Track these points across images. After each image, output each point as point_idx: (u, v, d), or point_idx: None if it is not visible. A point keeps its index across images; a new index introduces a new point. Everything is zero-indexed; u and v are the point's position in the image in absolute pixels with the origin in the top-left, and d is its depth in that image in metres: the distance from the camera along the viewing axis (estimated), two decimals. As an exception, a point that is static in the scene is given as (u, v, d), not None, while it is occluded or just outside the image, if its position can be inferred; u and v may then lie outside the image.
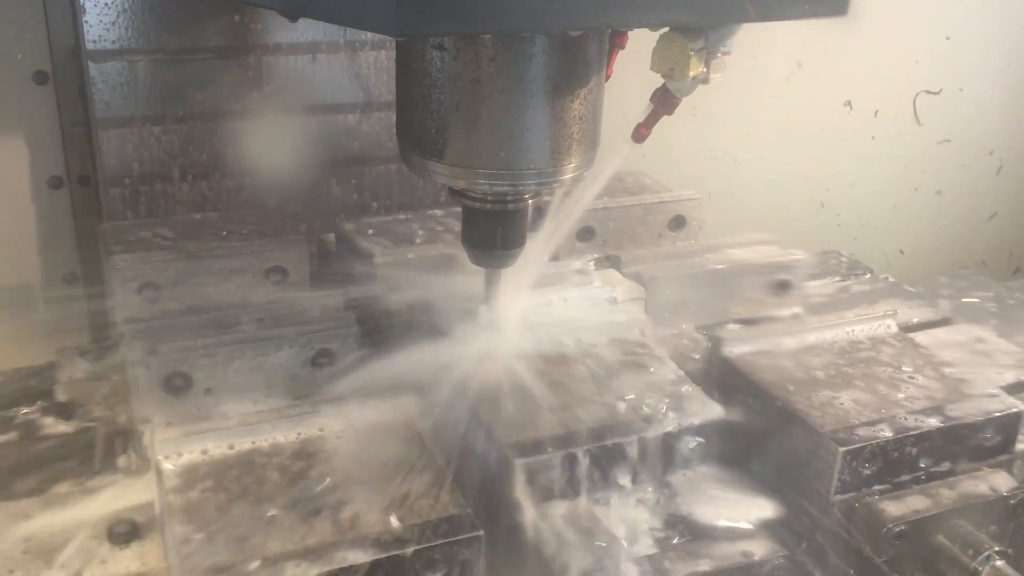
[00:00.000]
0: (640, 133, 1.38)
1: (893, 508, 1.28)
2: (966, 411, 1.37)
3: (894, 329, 1.58)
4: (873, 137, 2.61)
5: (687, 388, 1.38)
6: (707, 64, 1.24)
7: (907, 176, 2.70)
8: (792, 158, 2.53)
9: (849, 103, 2.55)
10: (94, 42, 1.65)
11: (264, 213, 1.76)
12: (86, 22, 1.63)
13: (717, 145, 2.44)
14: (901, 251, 2.76)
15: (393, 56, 1.35)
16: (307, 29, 1.75)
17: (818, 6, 1.20)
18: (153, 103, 1.71)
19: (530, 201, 1.36)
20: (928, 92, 2.62)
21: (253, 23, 1.72)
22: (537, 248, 1.49)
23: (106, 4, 1.63)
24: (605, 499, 1.28)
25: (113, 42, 1.66)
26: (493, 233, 1.37)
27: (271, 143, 1.81)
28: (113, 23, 1.65)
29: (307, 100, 1.81)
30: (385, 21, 1.03)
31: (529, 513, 1.22)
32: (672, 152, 2.14)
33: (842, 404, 1.37)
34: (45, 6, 1.72)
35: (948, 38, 2.58)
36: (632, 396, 1.36)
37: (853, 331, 1.56)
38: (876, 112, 2.58)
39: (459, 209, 1.41)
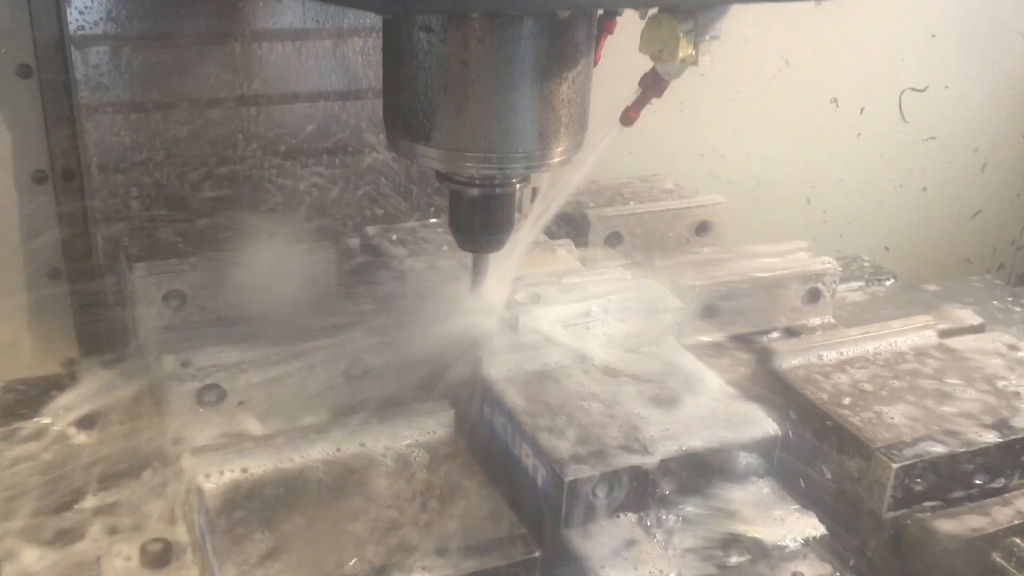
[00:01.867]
0: (628, 116, 1.38)
1: (947, 526, 1.26)
2: (1017, 426, 1.34)
3: (935, 339, 1.57)
4: (859, 134, 2.62)
5: (737, 402, 1.37)
6: (696, 47, 1.23)
7: (893, 173, 2.72)
8: (779, 155, 2.54)
9: (835, 100, 2.56)
10: (77, 28, 1.63)
11: (277, 214, 1.74)
12: (69, 8, 1.61)
13: (704, 141, 2.45)
14: (886, 248, 2.77)
15: (379, 43, 1.34)
16: (294, 15, 1.74)
17: (804, -11, 1.20)
18: (137, 89, 1.70)
19: (518, 185, 1.36)
20: (914, 89, 2.64)
21: (238, 9, 1.71)
22: (525, 233, 1.49)
23: (90, -10, 1.63)
24: (654, 516, 1.26)
25: (96, 28, 1.64)
26: (480, 217, 1.37)
27: (257, 130, 1.79)
28: (96, 8, 1.64)
29: (293, 86, 1.80)
30: (373, -2, 1.02)
31: (577, 530, 1.21)
32: (659, 148, 2.15)
33: (892, 419, 1.35)
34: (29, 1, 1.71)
35: (934, 36, 2.60)
36: (678, 409, 1.34)
37: (896, 342, 1.55)
38: (862, 109, 2.60)
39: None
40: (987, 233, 2.89)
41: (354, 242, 1.79)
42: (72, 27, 1.63)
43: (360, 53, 1.81)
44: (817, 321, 1.78)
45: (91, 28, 1.64)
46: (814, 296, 1.78)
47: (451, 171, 1.32)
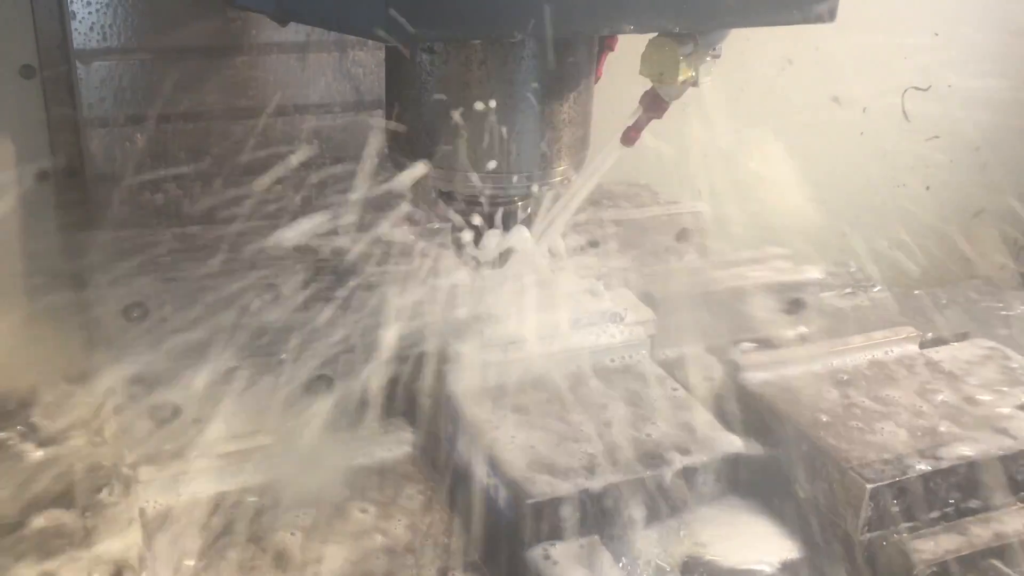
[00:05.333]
0: (629, 136, 1.38)
1: (923, 548, 1.22)
2: (997, 443, 1.31)
3: (916, 351, 1.53)
4: (862, 133, 2.61)
5: (704, 419, 1.34)
6: (696, 68, 1.24)
7: (895, 172, 2.71)
8: (781, 153, 2.53)
9: (838, 99, 2.55)
10: (83, 42, 1.64)
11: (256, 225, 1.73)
12: (74, 21, 1.62)
13: (708, 141, 2.44)
14: (889, 247, 2.77)
15: (383, 55, 1.34)
16: (297, 29, 1.74)
17: (807, 12, 1.21)
18: (141, 103, 1.70)
19: (519, 203, 1.36)
20: (916, 88, 2.62)
21: (242, 23, 1.71)
22: (527, 252, 1.48)
23: (94, 3, 1.62)
24: (619, 538, 1.23)
25: (101, 41, 1.65)
26: (482, 235, 1.37)
27: (260, 143, 1.80)
28: (102, 22, 1.64)
29: (296, 99, 1.80)
30: (375, 26, 1.02)
31: (540, 552, 1.18)
32: (662, 149, 2.14)
33: (868, 436, 1.31)
34: (32, 0, 1.70)
35: (936, 34, 2.58)
36: (646, 427, 1.31)
37: (874, 355, 1.50)
38: (865, 108, 2.59)
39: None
40: (989, 232, 2.89)
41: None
42: (77, 41, 1.63)
43: (363, 65, 1.81)
44: (798, 332, 1.70)
45: (96, 42, 1.64)
46: (795, 306, 1.73)
47: (453, 190, 1.32)
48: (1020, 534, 1.25)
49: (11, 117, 1.80)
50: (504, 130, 1.24)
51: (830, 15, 1.22)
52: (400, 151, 1.32)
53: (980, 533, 1.25)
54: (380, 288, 1.55)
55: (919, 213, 2.77)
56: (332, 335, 1.44)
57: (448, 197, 1.35)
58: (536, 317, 1.46)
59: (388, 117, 1.34)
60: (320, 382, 1.41)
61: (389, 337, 1.41)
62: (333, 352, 1.42)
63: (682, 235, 1.93)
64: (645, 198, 2.01)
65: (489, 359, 1.39)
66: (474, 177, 1.27)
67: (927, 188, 2.76)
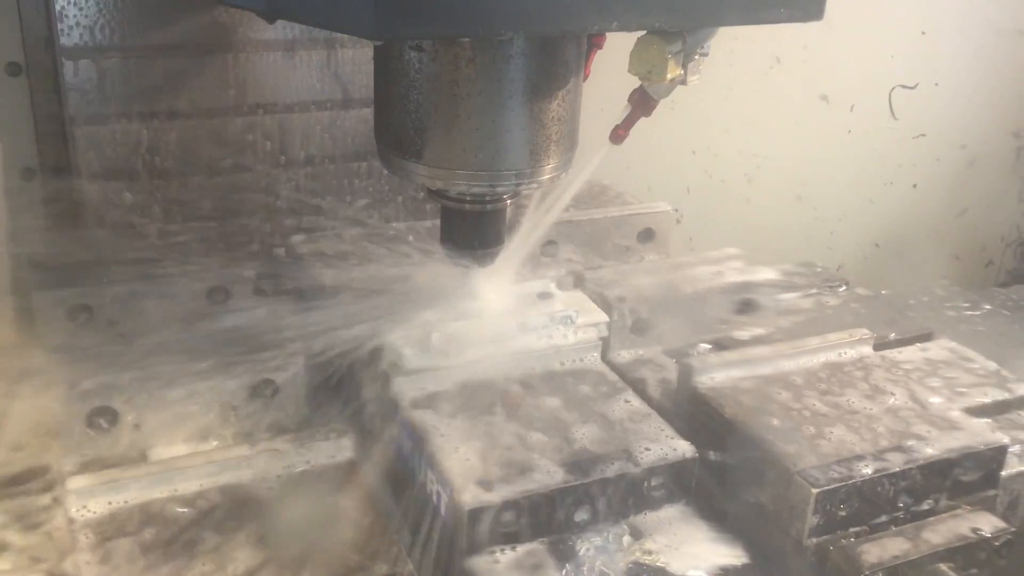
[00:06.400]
0: (618, 135, 1.38)
1: (870, 552, 1.20)
2: (946, 445, 1.28)
3: (870, 352, 1.50)
4: (849, 131, 2.63)
5: (653, 423, 1.31)
6: (684, 66, 1.24)
7: (883, 170, 2.72)
8: (770, 152, 2.55)
9: (826, 97, 2.56)
10: (69, 38, 1.63)
11: (219, 225, 1.72)
12: (61, 18, 1.61)
13: (696, 140, 2.45)
14: (877, 244, 2.78)
15: (371, 53, 1.34)
16: (285, 26, 1.73)
17: (794, 10, 1.21)
18: (128, 100, 1.69)
19: (508, 201, 1.36)
20: (904, 87, 2.64)
21: (230, 21, 1.71)
22: (514, 249, 1.49)
23: (81, 0, 1.62)
24: (563, 544, 1.19)
25: (88, 39, 1.64)
26: (471, 233, 1.37)
27: (247, 141, 1.79)
28: (88, 19, 1.63)
29: (283, 97, 1.80)
30: (364, 24, 1.02)
31: (481, 559, 1.14)
32: (652, 147, 2.14)
33: (815, 440, 1.28)
34: (18, -3, 1.70)
35: (923, 33, 2.60)
36: (594, 431, 1.28)
37: (828, 357, 1.47)
38: (852, 107, 2.60)
39: (422, 223, 1.39)
40: (976, 230, 2.91)
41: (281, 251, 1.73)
42: (63, 38, 1.62)
43: (351, 63, 1.81)
44: (753, 333, 1.65)
45: (83, 39, 1.63)
46: (750, 307, 1.69)
47: (442, 188, 1.32)
48: (967, 538, 1.23)
49: (-2, 115, 1.79)
50: (493, 128, 1.25)
51: (818, 14, 1.22)
52: (388, 148, 1.32)
53: (928, 537, 1.23)
54: (329, 291, 1.54)
55: (907, 211, 2.79)
56: (278, 339, 1.43)
57: (438, 195, 1.35)
58: (485, 320, 1.43)
59: (376, 115, 1.34)
60: (264, 386, 1.39)
61: (336, 341, 1.40)
62: (278, 356, 1.40)
63: (645, 235, 1.89)
64: (608, 198, 1.98)
65: (435, 363, 1.36)
66: (462, 175, 1.27)
67: (914, 186, 2.77)
